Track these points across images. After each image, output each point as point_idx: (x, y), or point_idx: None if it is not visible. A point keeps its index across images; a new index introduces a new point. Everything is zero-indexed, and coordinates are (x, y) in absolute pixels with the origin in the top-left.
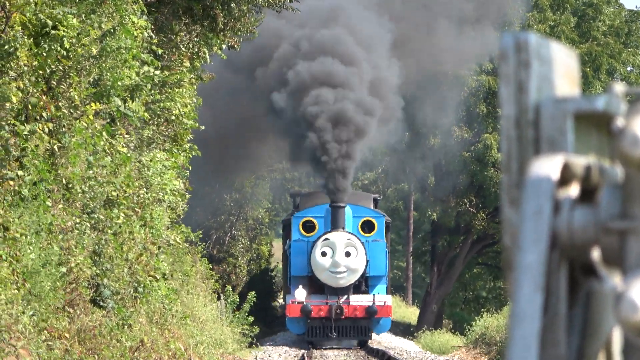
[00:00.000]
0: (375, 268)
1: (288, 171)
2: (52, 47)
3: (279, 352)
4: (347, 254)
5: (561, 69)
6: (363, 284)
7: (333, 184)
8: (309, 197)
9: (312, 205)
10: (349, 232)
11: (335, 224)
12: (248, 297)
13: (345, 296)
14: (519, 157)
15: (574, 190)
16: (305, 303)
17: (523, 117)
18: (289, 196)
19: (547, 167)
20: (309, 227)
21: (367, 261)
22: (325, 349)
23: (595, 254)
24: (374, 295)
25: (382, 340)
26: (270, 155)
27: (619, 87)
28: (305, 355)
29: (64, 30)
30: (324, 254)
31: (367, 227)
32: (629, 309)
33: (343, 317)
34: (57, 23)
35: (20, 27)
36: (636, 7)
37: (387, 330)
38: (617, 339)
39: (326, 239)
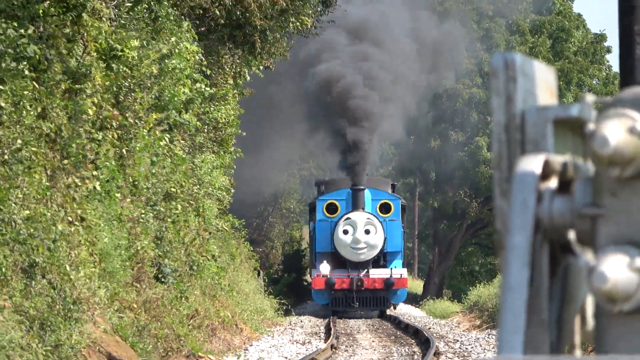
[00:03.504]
0: (392, 244)
1: (314, 168)
2: (120, 68)
3: (309, 318)
4: (367, 232)
5: (542, 83)
6: (381, 259)
7: (354, 169)
8: (332, 183)
9: (334, 189)
10: (369, 212)
11: (355, 204)
12: (284, 277)
13: (365, 270)
14: (508, 157)
15: (553, 183)
16: (329, 276)
17: (511, 123)
18: (315, 185)
19: (531, 164)
20: (332, 209)
21: (385, 238)
22: (348, 317)
23: (572, 235)
24: (391, 269)
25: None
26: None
27: (590, 97)
28: (331, 320)
29: (128, 52)
30: (345, 231)
31: (385, 208)
32: (600, 280)
33: (363, 288)
34: (123, 47)
35: (95, 53)
36: (600, 31)
37: (404, 300)
38: (590, 305)
39: (348, 218)
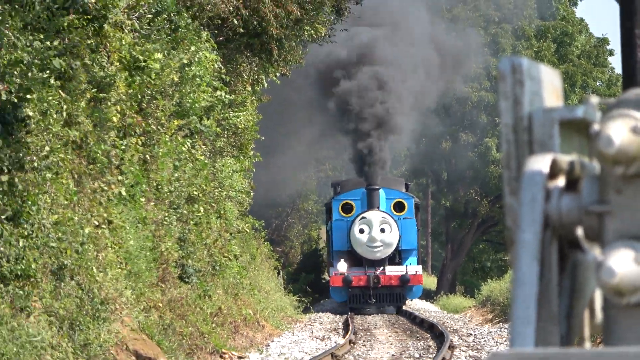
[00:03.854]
0: (407, 242)
1: (330, 170)
2: (143, 78)
3: (328, 315)
4: (382, 230)
5: (548, 85)
6: (397, 257)
7: (368, 169)
8: (347, 183)
9: (349, 189)
10: (383, 211)
11: (371, 204)
12: (303, 275)
13: (381, 267)
14: (517, 157)
15: (561, 181)
16: (346, 274)
17: (519, 125)
18: (331, 186)
19: (539, 163)
20: (347, 208)
21: (400, 236)
22: (365, 313)
23: (579, 231)
24: (406, 266)
25: (408, 302)
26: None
27: (594, 99)
28: (348, 316)
29: (151, 63)
30: (361, 230)
31: (399, 207)
32: (607, 274)
33: (380, 285)
34: (145, 58)
35: (118, 63)
36: (602, 35)
37: (419, 297)
38: (598, 298)
39: (363, 217)
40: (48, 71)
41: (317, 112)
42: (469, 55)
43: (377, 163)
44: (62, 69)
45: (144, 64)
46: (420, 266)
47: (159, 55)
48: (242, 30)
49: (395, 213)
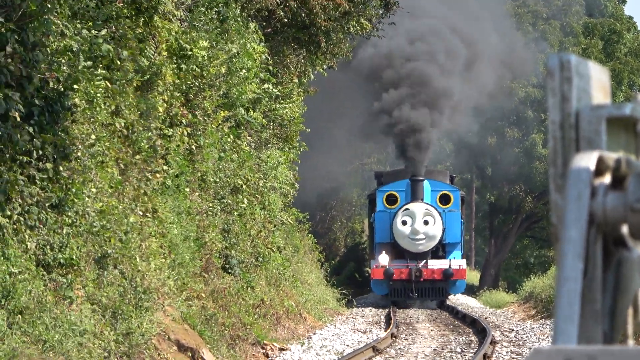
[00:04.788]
0: (451, 235)
1: (375, 164)
2: (189, 67)
3: (370, 308)
4: (426, 223)
5: (596, 83)
6: (440, 250)
7: (414, 160)
8: (392, 174)
9: (394, 180)
10: (427, 203)
11: (414, 195)
12: (347, 267)
13: (424, 260)
14: (563, 154)
15: (607, 179)
16: (388, 267)
17: (566, 122)
18: (374, 178)
19: (586, 161)
20: (391, 200)
21: (444, 229)
22: (407, 308)
23: (624, 229)
24: (450, 259)
25: (450, 297)
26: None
27: None
28: (391, 310)
29: (197, 52)
30: (404, 222)
31: (444, 199)
32: None
33: (422, 279)
34: (192, 47)
35: (165, 52)
36: None
37: (462, 292)
38: None
39: (406, 209)
40: (96, 60)
41: (363, 103)
42: (525, 55)
43: (422, 153)
44: (110, 58)
45: (190, 52)
46: (465, 260)
47: (204, 44)
48: (289, 22)
49: (440, 205)
